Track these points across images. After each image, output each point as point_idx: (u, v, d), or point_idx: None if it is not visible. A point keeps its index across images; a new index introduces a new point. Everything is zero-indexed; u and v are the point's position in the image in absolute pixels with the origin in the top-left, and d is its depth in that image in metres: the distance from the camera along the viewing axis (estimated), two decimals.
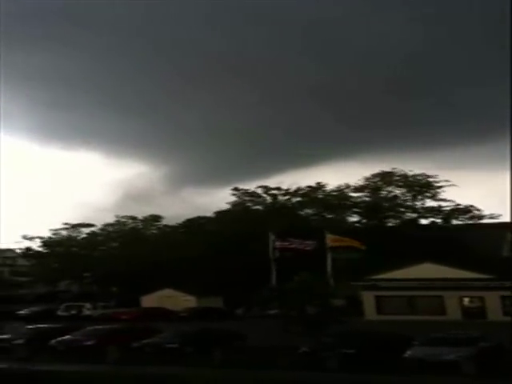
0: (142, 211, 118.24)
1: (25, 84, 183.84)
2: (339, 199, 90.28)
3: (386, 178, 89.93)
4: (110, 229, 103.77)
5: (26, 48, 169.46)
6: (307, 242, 71.20)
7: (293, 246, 71.15)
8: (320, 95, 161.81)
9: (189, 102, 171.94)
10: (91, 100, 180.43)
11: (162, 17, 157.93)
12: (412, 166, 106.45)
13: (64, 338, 43.13)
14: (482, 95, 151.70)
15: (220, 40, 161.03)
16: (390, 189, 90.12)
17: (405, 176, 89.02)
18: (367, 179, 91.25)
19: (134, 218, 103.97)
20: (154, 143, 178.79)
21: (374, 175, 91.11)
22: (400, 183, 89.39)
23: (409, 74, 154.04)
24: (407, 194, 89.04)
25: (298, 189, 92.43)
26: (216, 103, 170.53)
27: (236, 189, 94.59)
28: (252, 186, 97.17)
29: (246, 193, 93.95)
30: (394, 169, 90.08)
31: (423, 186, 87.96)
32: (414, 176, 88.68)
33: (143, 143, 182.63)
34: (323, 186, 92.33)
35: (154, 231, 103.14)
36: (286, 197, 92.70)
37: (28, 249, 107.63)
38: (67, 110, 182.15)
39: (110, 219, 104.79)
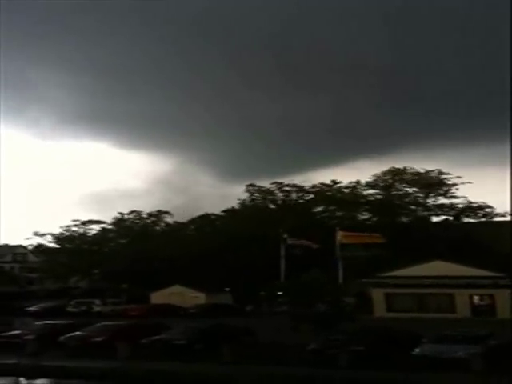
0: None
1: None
2: (351, 196, 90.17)
3: (398, 175, 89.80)
4: (120, 225, 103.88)
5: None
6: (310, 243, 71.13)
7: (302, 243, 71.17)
8: None
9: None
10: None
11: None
12: (425, 164, 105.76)
13: (74, 334, 43.27)
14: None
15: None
16: (401, 186, 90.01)
17: (417, 173, 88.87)
18: (378, 177, 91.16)
19: (141, 215, 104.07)
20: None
21: (385, 172, 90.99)
22: (412, 180, 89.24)
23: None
24: (418, 192, 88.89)
25: (313, 186, 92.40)
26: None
27: (252, 185, 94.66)
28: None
29: (260, 190, 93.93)
30: (405, 167, 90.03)
31: (435, 184, 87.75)
32: (426, 173, 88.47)
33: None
34: (337, 183, 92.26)
35: (164, 227, 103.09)
36: (299, 194, 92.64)
37: (39, 245, 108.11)
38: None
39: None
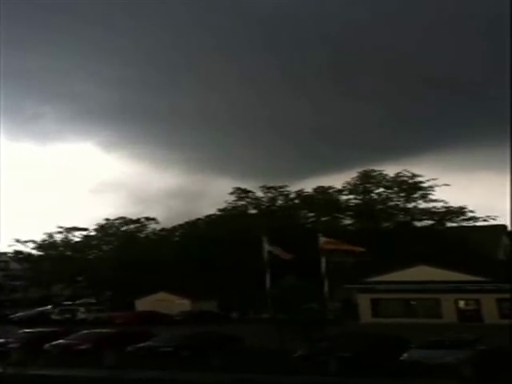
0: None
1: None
2: (329, 201, 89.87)
3: (371, 178, 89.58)
4: (105, 232, 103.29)
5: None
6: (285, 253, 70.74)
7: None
8: None
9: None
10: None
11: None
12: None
13: (59, 341, 42.94)
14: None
15: None
16: (379, 190, 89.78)
17: (385, 177, 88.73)
18: (354, 181, 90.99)
19: (128, 221, 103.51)
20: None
21: (360, 176, 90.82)
22: (386, 184, 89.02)
23: None
24: (397, 195, 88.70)
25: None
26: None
27: (239, 189, 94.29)
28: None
29: (244, 194, 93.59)
30: (373, 170, 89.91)
31: (412, 187, 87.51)
32: (400, 176, 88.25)
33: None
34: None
35: (150, 234, 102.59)
36: (284, 198, 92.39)
37: (18, 252, 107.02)
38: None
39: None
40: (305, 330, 43.25)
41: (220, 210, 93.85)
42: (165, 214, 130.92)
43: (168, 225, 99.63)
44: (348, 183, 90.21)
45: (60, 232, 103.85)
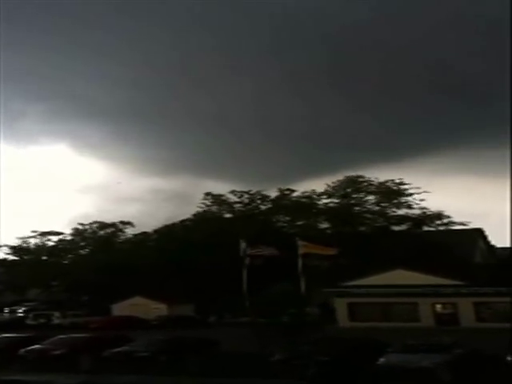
0: None
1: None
2: (308, 206, 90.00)
3: (354, 183, 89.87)
4: (81, 236, 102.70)
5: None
6: (271, 250, 70.69)
7: (262, 253, 70.65)
8: None
9: None
10: None
11: None
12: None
13: (34, 347, 42.51)
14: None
15: None
16: (359, 195, 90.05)
17: (371, 182, 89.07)
18: (335, 185, 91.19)
19: (105, 225, 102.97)
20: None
21: (341, 181, 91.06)
22: (369, 189, 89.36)
23: None
24: (376, 200, 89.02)
25: (264, 196, 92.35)
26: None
27: (208, 194, 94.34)
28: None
29: (218, 198, 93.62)
30: (359, 175, 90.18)
31: (393, 193, 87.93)
32: (382, 182, 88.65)
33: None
34: (293, 191, 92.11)
35: (126, 238, 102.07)
36: (259, 202, 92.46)
37: None
38: None
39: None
40: (287, 334, 43.20)
41: (194, 215, 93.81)
42: (143, 220, 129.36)
43: (146, 228, 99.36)
44: (329, 186, 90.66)
45: (34, 236, 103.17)
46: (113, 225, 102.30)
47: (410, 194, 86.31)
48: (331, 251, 68.61)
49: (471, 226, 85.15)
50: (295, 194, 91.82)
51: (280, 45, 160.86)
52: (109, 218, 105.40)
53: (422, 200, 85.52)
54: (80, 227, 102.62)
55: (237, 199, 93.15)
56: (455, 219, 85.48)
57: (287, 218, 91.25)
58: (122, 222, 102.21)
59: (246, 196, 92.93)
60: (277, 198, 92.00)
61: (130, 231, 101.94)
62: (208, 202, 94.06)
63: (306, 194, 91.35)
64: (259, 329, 48.73)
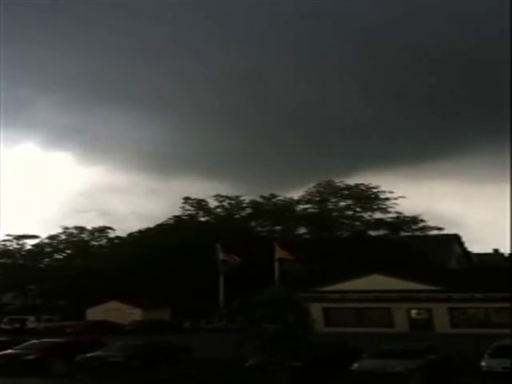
0: None
1: None
2: (285, 211, 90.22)
3: (328, 188, 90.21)
4: (57, 240, 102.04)
5: None
6: (234, 258, 70.77)
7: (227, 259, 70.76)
8: None
9: None
10: None
11: None
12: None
13: (6, 351, 42.11)
14: None
15: None
16: (335, 200, 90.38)
17: (348, 187, 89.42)
18: (311, 191, 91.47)
19: (82, 229, 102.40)
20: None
21: (316, 186, 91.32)
22: (344, 194, 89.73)
23: None
24: (352, 206, 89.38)
25: (240, 201, 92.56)
26: None
27: (188, 198, 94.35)
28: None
29: (197, 203, 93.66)
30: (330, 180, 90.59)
31: (368, 198, 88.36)
32: (356, 187, 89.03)
33: None
34: (275, 196, 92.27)
35: (103, 243, 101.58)
36: (237, 207, 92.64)
37: None
38: None
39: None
40: (271, 341, 43.03)
41: (170, 218, 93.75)
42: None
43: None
44: (306, 192, 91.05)
45: (9, 240, 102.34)
46: (94, 230, 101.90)
47: (387, 199, 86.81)
48: (290, 256, 69.18)
49: (447, 231, 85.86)
50: (275, 199, 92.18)
51: None
52: (86, 222, 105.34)
53: (396, 205, 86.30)
54: (57, 231, 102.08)
55: (217, 204, 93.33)
56: (431, 223, 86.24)
57: (264, 224, 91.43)
58: (104, 227, 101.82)
59: (227, 201, 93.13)
60: (257, 203, 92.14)
61: (111, 235, 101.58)
62: (187, 206, 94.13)
63: (286, 199, 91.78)
64: (234, 334, 48.60)
